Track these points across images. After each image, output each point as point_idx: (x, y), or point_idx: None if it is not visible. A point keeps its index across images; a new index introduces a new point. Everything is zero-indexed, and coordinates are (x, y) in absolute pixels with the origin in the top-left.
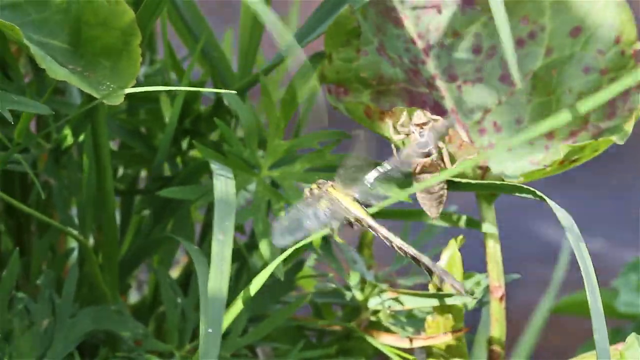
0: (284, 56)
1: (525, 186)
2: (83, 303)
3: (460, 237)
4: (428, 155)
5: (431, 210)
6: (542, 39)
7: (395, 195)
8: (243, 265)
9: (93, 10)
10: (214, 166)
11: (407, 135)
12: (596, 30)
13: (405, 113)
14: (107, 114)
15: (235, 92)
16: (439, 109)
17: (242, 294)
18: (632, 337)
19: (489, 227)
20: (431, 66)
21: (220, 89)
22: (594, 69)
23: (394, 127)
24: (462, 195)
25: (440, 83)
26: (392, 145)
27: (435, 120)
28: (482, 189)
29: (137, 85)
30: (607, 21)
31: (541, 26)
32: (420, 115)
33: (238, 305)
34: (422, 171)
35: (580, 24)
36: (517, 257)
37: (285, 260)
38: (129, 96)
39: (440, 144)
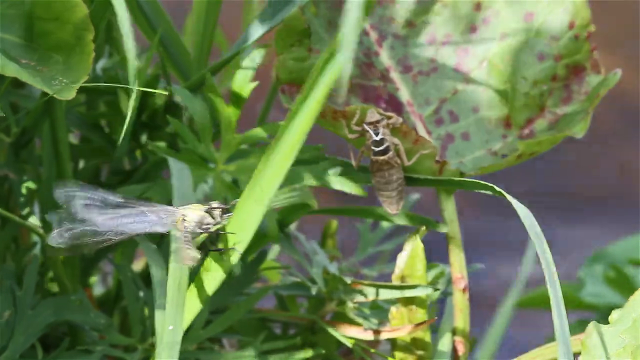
0: (234, 53)
1: (483, 182)
2: (45, 296)
3: (423, 228)
4: (384, 153)
5: (391, 207)
6: (495, 25)
7: (352, 190)
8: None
9: (46, 5)
10: (171, 162)
11: (362, 134)
12: (549, 16)
13: (358, 112)
14: (66, 107)
15: (186, 87)
16: (394, 102)
17: (202, 287)
18: (591, 325)
19: (444, 227)
20: (385, 57)
21: (180, 80)
22: (548, 55)
23: (349, 127)
24: None
25: (394, 75)
26: (349, 145)
27: (388, 117)
28: (440, 185)
29: (95, 78)
30: (560, 6)
31: (495, 12)
32: (373, 113)
33: (195, 300)
34: (379, 169)
35: (533, 10)
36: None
37: (248, 252)
38: (87, 89)
39: (396, 141)
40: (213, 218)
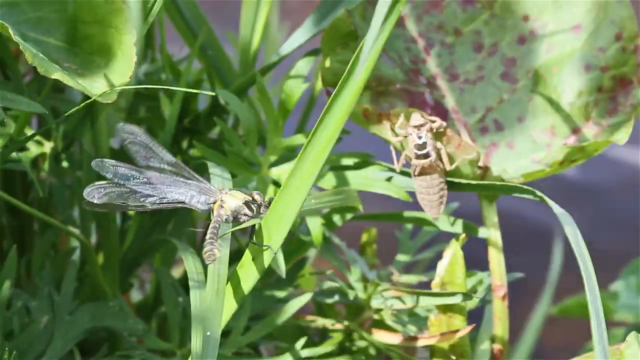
0: (282, 56)
1: (524, 187)
2: (84, 302)
3: (463, 235)
4: (426, 156)
5: (432, 210)
6: (543, 36)
7: (397, 195)
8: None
9: (89, 9)
10: (211, 167)
11: (405, 137)
12: (597, 28)
13: (402, 115)
14: (107, 112)
15: (231, 91)
16: (439, 109)
17: (238, 286)
18: (632, 336)
19: (484, 232)
20: (432, 65)
21: (219, 86)
22: (594, 66)
23: (392, 130)
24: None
25: (441, 82)
26: (391, 148)
27: (432, 121)
28: (482, 190)
29: (137, 82)
30: (607, 18)
31: (542, 23)
32: (417, 117)
33: (231, 299)
34: (421, 172)
35: (581, 22)
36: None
37: (287, 259)
38: (129, 94)
39: (438, 145)
40: (251, 210)
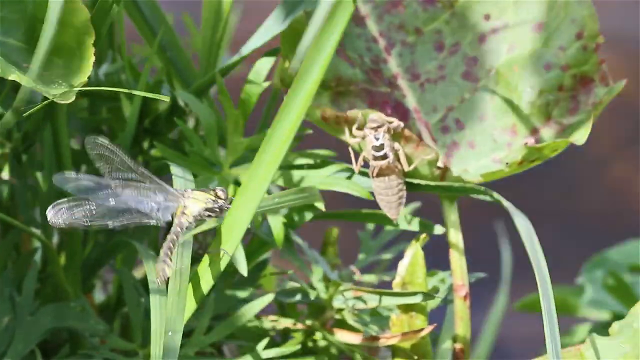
0: (242, 56)
1: (482, 188)
2: (46, 302)
3: (423, 235)
4: (384, 157)
5: (391, 212)
6: (504, 35)
7: (359, 193)
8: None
9: (47, 8)
10: (173, 167)
11: (363, 138)
12: (558, 27)
13: (360, 116)
14: (68, 112)
15: (192, 91)
16: (400, 109)
17: (197, 289)
18: (591, 338)
19: (439, 229)
20: (393, 65)
21: (180, 86)
22: (555, 65)
23: (350, 131)
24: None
25: (402, 82)
26: (350, 149)
27: (390, 122)
28: (440, 191)
29: (98, 83)
30: (568, 17)
31: (504, 22)
32: (374, 118)
33: (192, 305)
34: (380, 174)
35: (542, 20)
36: None
37: (248, 259)
38: (89, 94)
39: (396, 146)
40: (214, 210)
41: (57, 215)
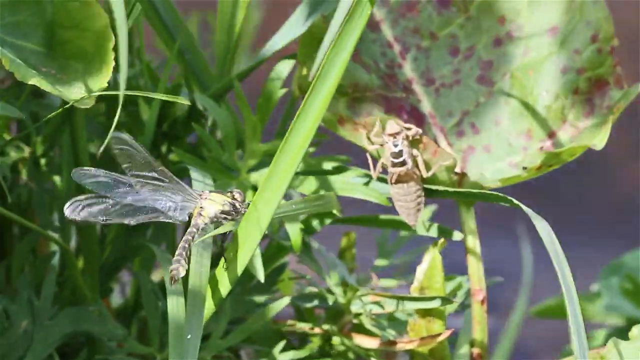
0: (259, 60)
1: (501, 195)
2: (64, 306)
3: (442, 240)
4: (403, 164)
5: (409, 218)
6: (519, 39)
7: (376, 199)
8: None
9: (67, 13)
10: (192, 171)
11: (381, 145)
12: (573, 30)
13: (378, 123)
14: (87, 116)
15: (209, 95)
16: (416, 113)
17: (215, 292)
18: (612, 341)
19: (458, 235)
20: (408, 70)
21: (198, 90)
22: (570, 68)
23: (368, 137)
24: None
25: (417, 87)
26: (367, 155)
27: (408, 128)
28: (458, 197)
29: (116, 88)
30: (583, 20)
31: (518, 26)
32: (392, 125)
33: (210, 308)
34: (398, 180)
35: (557, 24)
36: None
37: (266, 264)
38: (108, 99)
39: (415, 152)
40: (231, 212)
41: (74, 211)
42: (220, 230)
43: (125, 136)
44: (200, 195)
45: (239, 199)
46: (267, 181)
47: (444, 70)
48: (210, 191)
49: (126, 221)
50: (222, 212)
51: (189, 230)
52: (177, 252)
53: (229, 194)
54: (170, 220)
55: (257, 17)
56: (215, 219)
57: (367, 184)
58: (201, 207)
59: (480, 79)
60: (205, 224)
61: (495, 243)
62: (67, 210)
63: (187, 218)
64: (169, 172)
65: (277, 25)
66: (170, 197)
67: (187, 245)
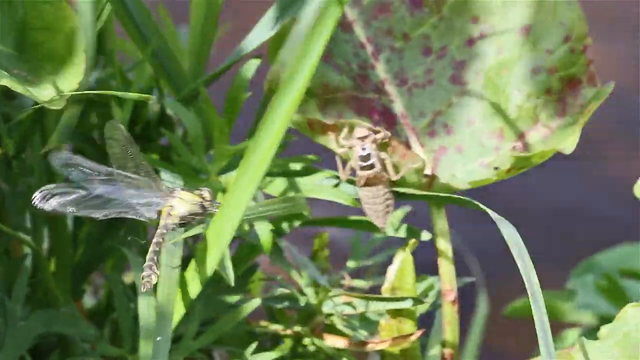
0: (230, 62)
1: (467, 199)
2: (36, 308)
3: (413, 241)
4: (371, 167)
5: (378, 220)
6: (492, 39)
7: (345, 201)
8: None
9: (38, 15)
10: (163, 173)
11: (350, 148)
12: (546, 29)
13: (347, 126)
14: (58, 118)
15: (180, 98)
16: (388, 114)
17: (185, 295)
18: (581, 340)
19: (426, 235)
20: (381, 70)
21: (171, 92)
22: (542, 68)
23: (337, 141)
24: None
25: (390, 87)
26: (336, 157)
27: (376, 132)
28: (428, 199)
29: (88, 90)
30: (556, 20)
31: (491, 26)
32: (361, 129)
33: (181, 310)
34: (367, 183)
35: (530, 23)
36: None
37: (237, 265)
38: (79, 101)
39: (383, 155)
40: (201, 211)
41: (43, 200)
42: (191, 233)
43: (120, 125)
44: (172, 192)
45: (208, 198)
46: (236, 182)
47: (416, 71)
48: (181, 189)
49: (95, 215)
50: (192, 212)
51: (158, 231)
52: (148, 257)
53: (198, 193)
54: (139, 218)
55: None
56: (185, 220)
57: (336, 185)
58: (171, 206)
59: (452, 79)
60: (175, 224)
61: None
62: (37, 199)
63: (156, 216)
64: (149, 167)
65: (249, 28)
66: (142, 192)
67: (157, 249)
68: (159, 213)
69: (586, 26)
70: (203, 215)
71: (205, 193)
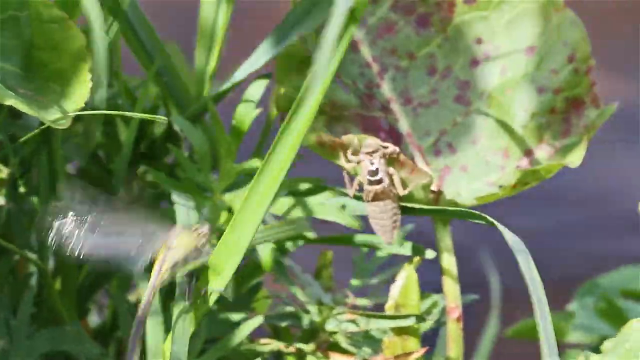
0: (236, 81)
1: (476, 212)
2: (42, 326)
3: (417, 258)
4: (379, 182)
5: (385, 235)
6: (496, 59)
7: (346, 222)
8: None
9: (45, 35)
10: (174, 195)
11: (358, 163)
12: (550, 50)
13: (355, 141)
14: (64, 137)
15: (186, 116)
16: (394, 133)
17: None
18: (584, 355)
19: (431, 253)
20: (386, 90)
21: (175, 110)
22: (547, 88)
23: (345, 156)
24: None
25: (395, 106)
26: (344, 173)
27: (385, 147)
28: (434, 214)
29: (94, 109)
30: (560, 40)
31: (495, 46)
32: (369, 143)
33: (187, 328)
34: (375, 198)
35: (534, 44)
36: None
37: (242, 283)
38: (85, 119)
39: (391, 170)
40: (199, 248)
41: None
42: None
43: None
44: (166, 236)
45: (205, 238)
46: (246, 202)
47: (421, 90)
48: (178, 229)
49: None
50: (186, 258)
51: (150, 284)
52: (132, 332)
53: (195, 231)
54: (127, 267)
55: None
56: (179, 267)
57: (342, 205)
58: (164, 257)
59: (457, 99)
60: (172, 262)
61: None
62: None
63: (146, 262)
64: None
65: (255, 46)
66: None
67: (143, 318)
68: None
69: (589, 47)
70: (197, 257)
71: (203, 230)
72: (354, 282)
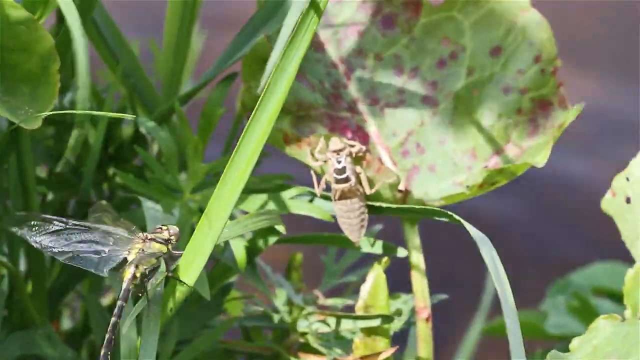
0: (203, 81)
1: (442, 210)
2: (13, 330)
3: (385, 258)
4: (346, 180)
5: (352, 234)
6: (463, 60)
7: (319, 216)
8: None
9: (14, 36)
10: (143, 200)
11: (325, 162)
12: (516, 50)
13: (322, 140)
14: (33, 139)
15: (154, 118)
16: (361, 133)
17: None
18: (551, 354)
19: (402, 252)
20: (353, 90)
21: (143, 112)
22: (513, 88)
23: (312, 154)
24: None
25: (362, 107)
26: (312, 172)
27: (351, 145)
28: (402, 213)
29: (63, 110)
30: (526, 41)
31: (462, 47)
32: (336, 142)
33: (156, 328)
34: (342, 197)
35: (500, 44)
36: None
37: (213, 284)
38: (54, 122)
39: (358, 169)
40: (169, 249)
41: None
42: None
43: (106, 206)
44: (134, 240)
45: (173, 241)
46: (215, 199)
47: (388, 91)
48: (146, 236)
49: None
50: (161, 258)
51: (120, 297)
52: (107, 336)
53: (162, 232)
54: (98, 273)
55: (202, 38)
56: (153, 269)
57: (310, 201)
58: (135, 267)
59: (424, 99)
60: (136, 285)
61: None
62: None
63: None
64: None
65: (222, 46)
66: (102, 243)
67: (117, 320)
68: (120, 265)
69: (555, 48)
70: (166, 261)
71: (172, 231)
72: (325, 282)
